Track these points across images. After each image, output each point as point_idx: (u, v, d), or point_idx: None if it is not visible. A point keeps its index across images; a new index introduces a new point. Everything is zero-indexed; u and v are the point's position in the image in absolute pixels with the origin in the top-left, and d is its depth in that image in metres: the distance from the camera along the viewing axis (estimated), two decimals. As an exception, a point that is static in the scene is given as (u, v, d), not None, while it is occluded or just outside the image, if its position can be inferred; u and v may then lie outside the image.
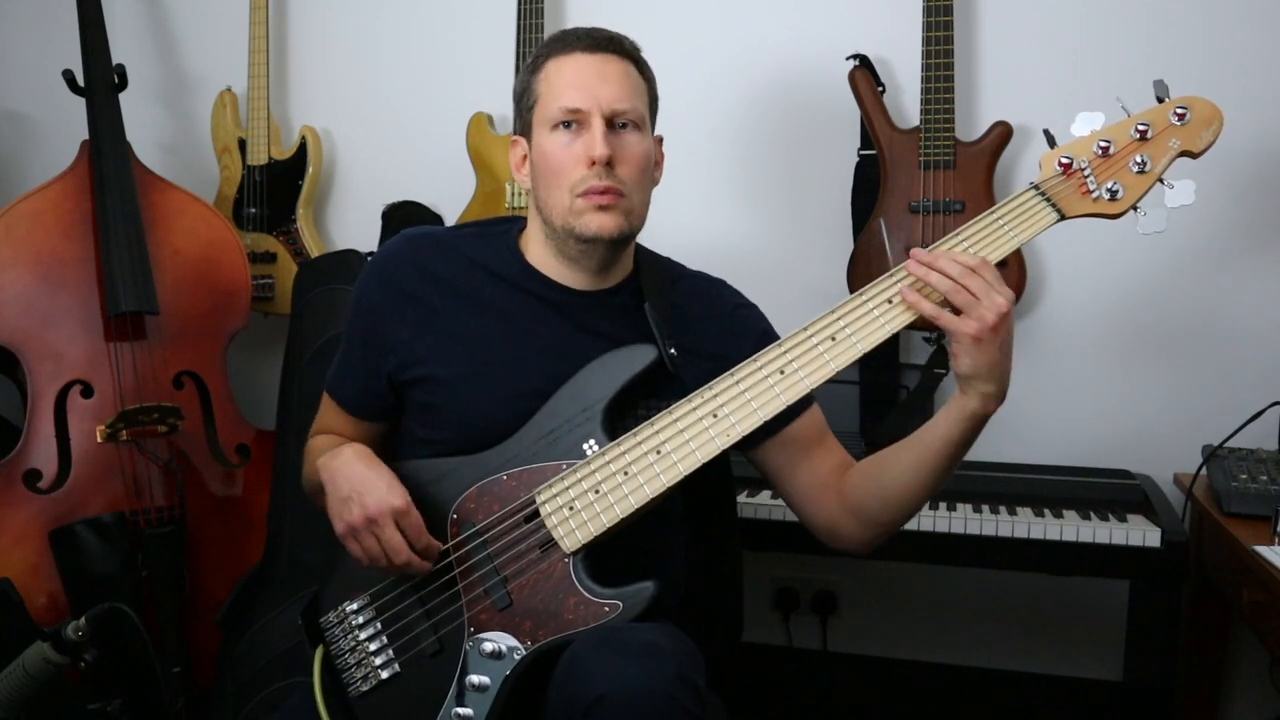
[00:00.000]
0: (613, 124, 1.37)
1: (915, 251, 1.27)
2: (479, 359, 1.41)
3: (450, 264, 1.46)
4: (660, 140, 1.48)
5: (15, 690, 1.61)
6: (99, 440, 2.13)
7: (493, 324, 1.42)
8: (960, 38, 2.13)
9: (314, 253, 2.50)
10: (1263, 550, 1.58)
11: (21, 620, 1.92)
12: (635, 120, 1.39)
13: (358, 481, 1.33)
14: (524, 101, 1.43)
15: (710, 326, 1.46)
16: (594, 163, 1.35)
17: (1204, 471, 1.94)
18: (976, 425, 1.30)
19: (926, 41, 2.10)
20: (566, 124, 1.37)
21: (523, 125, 1.44)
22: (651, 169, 1.43)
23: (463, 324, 1.43)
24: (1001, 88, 2.22)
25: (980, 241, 1.30)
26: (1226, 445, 1.94)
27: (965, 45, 2.20)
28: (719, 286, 1.53)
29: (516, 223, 1.51)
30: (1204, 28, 2.12)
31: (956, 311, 1.25)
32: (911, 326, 1.33)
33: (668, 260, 1.54)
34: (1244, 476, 1.84)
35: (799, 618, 2.41)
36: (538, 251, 1.45)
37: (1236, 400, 2.03)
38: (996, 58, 2.23)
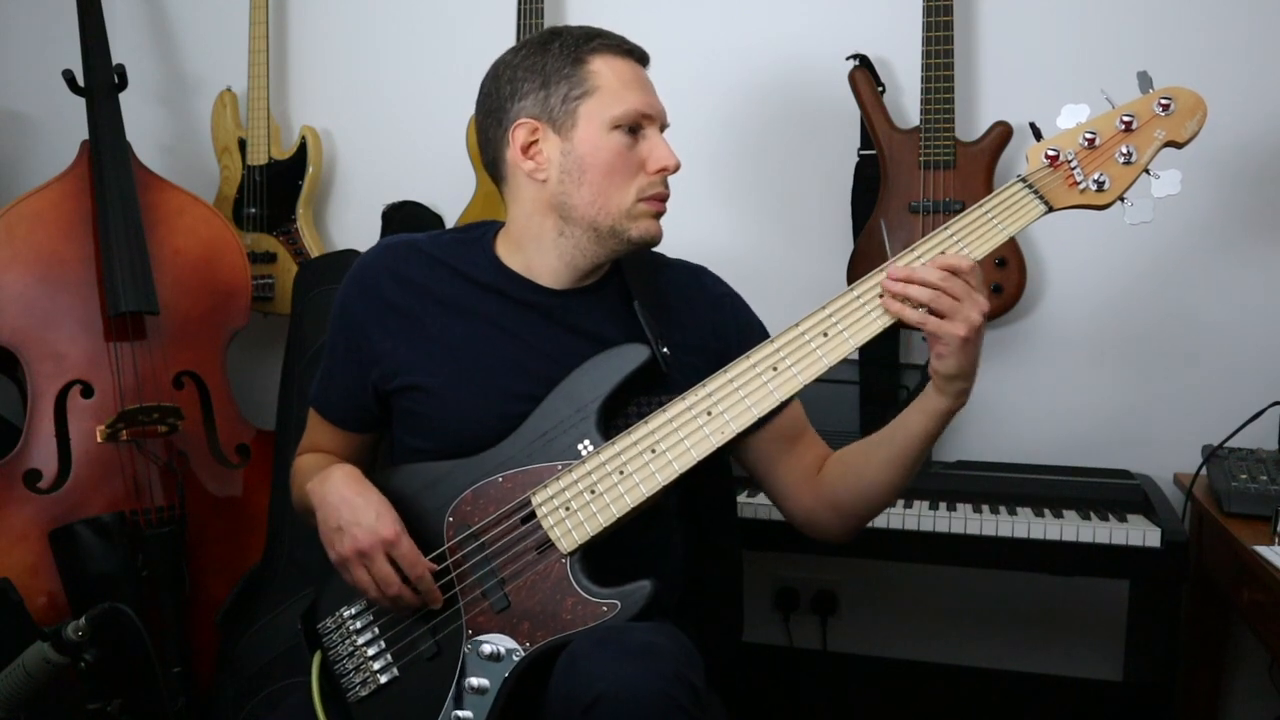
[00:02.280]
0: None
1: (892, 270, 1.27)
2: (464, 365, 1.41)
3: (430, 272, 1.44)
4: None
5: (15, 690, 1.61)
6: (99, 440, 2.13)
7: (477, 330, 1.42)
8: (960, 38, 2.12)
9: (314, 253, 2.50)
10: (1263, 550, 1.58)
11: (21, 620, 1.92)
12: None
13: (346, 510, 1.32)
14: (559, 88, 1.37)
15: (695, 318, 1.46)
16: (665, 170, 1.38)
17: (1204, 471, 1.93)
18: (948, 421, 1.34)
19: (926, 41, 2.10)
20: (631, 128, 1.37)
21: (551, 112, 1.37)
22: None
23: (446, 331, 1.42)
24: (1001, 88, 2.22)
25: (970, 234, 1.30)
26: (1226, 445, 1.93)
27: (965, 45, 2.20)
28: (700, 275, 1.53)
29: (493, 226, 1.49)
30: (1203, 27, 2.12)
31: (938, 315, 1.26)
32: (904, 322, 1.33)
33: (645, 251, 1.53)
34: (1244, 476, 1.84)
35: (799, 618, 2.41)
36: (518, 253, 1.43)
37: (1236, 400, 2.03)
38: (996, 58, 2.23)
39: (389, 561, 1.30)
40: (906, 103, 2.23)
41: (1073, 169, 1.30)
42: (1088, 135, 1.30)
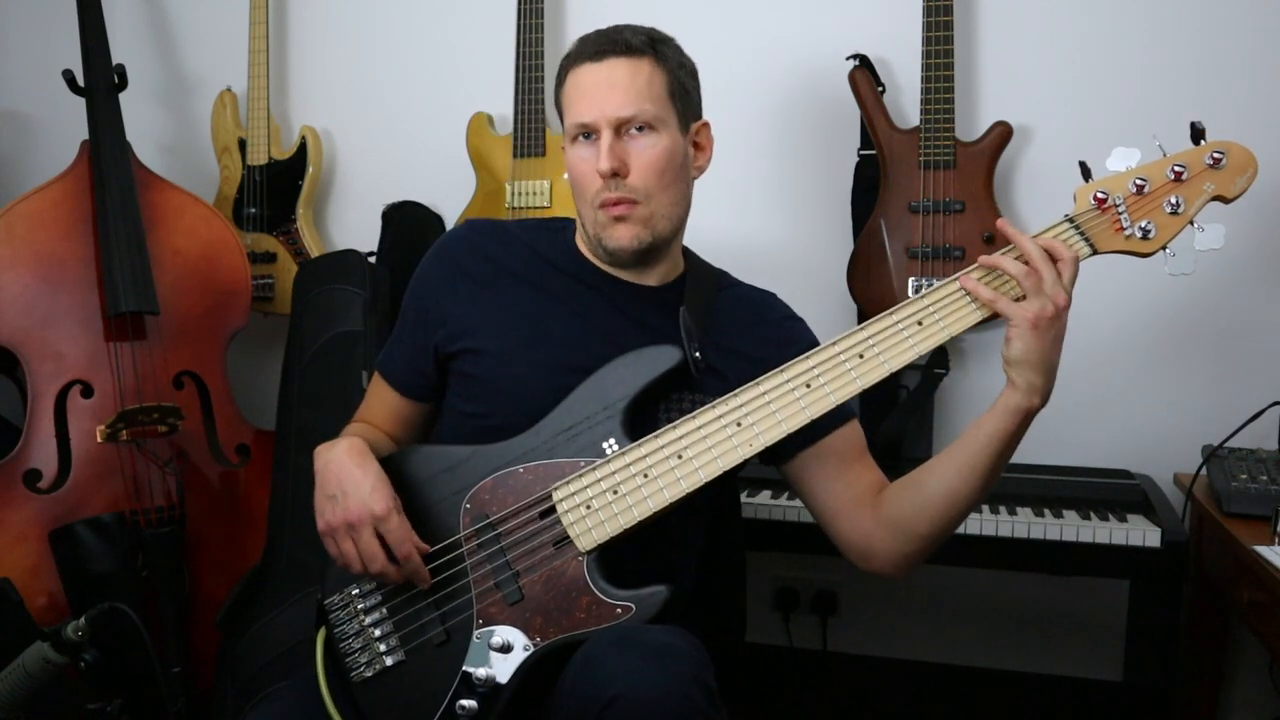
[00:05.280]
0: (621, 131, 1.37)
1: (984, 259, 1.28)
2: (526, 333, 1.42)
3: (508, 248, 1.48)
4: (706, 125, 1.48)
5: (15, 690, 1.60)
6: (99, 440, 2.13)
7: (543, 304, 1.44)
8: (960, 38, 2.13)
9: (314, 253, 2.50)
10: (1263, 550, 1.58)
11: (21, 620, 1.92)
12: (646, 122, 1.37)
13: (345, 480, 1.32)
14: (559, 112, 1.46)
15: (754, 332, 1.46)
16: (600, 175, 1.37)
17: (1204, 471, 1.94)
18: (1020, 420, 1.28)
19: (926, 41, 2.10)
20: (585, 135, 1.39)
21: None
22: (677, 166, 1.41)
23: (513, 301, 1.44)
24: (1001, 88, 2.23)
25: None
26: (1226, 445, 1.94)
27: (965, 45, 2.20)
28: (768, 297, 1.54)
29: (573, 222, 1.52)
30: (1202, 27, 2.13)
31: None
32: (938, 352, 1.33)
33: (719, 271, 1.54)
34: (1244, 476, 1.84)
35: (799, 618, 2.41)
36: (588, 247, 1.47)
37: (1236, 400, 2.03)
38: (996, 58, 2.23)
39: (377, 537, 1.29)
40: (906, 103, 2.24)
41: (1120, 214, 1.29)
42: (1138, 181, 1.29)
